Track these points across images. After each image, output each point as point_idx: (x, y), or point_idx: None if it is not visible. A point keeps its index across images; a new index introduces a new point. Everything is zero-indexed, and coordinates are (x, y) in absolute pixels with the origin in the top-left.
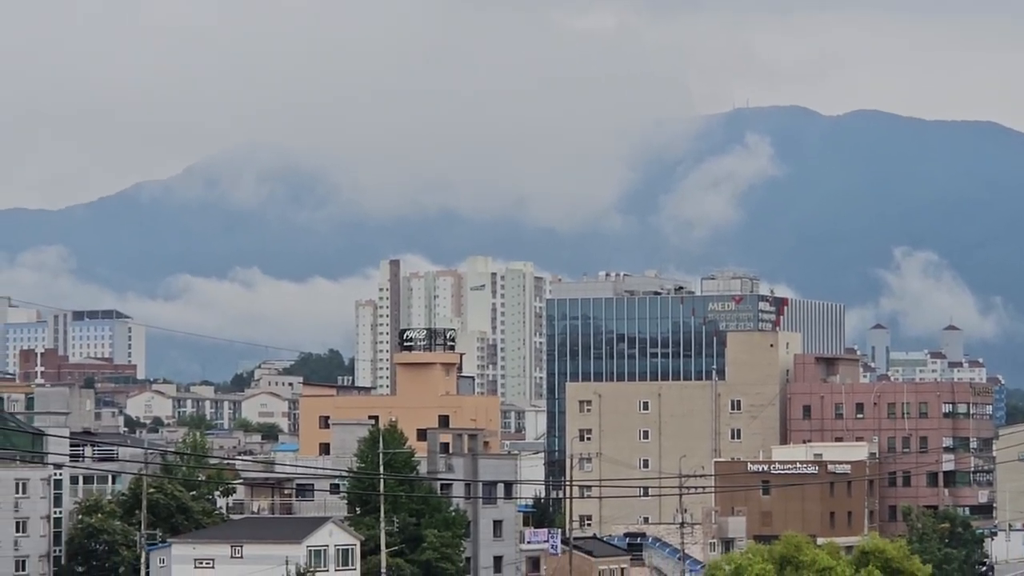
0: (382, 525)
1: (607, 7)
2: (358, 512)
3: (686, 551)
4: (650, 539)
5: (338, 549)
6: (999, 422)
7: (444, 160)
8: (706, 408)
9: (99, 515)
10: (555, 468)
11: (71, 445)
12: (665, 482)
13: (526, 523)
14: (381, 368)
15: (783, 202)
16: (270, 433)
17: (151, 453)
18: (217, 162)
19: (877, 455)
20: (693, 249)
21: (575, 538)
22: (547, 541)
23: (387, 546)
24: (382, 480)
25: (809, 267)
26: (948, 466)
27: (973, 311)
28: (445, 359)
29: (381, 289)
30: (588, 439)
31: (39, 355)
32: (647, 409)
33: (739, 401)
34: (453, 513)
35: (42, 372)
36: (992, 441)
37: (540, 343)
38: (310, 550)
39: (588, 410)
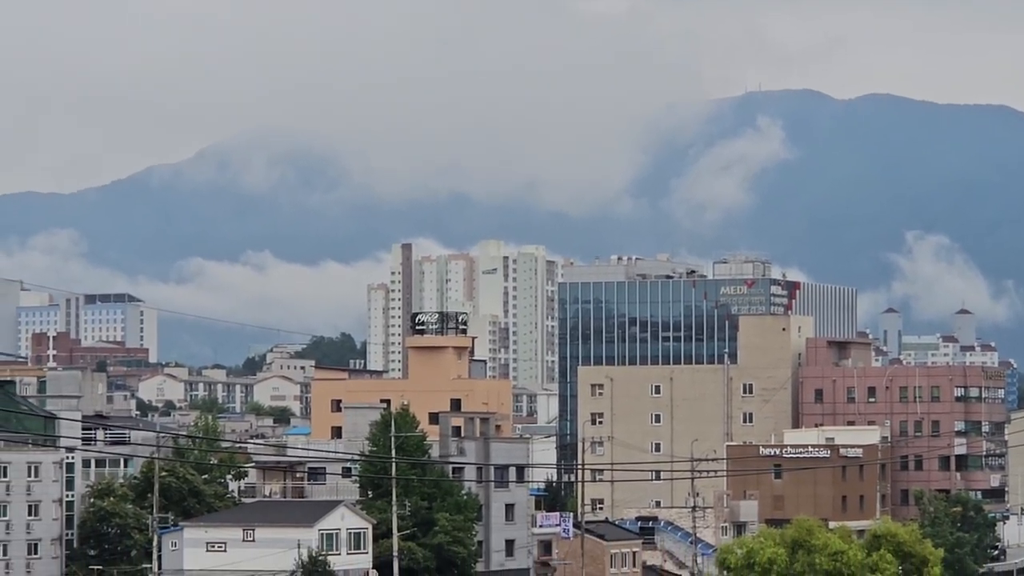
0: (394, 509)
1: None
2: (370, 496)
3: (698, 535)
4: (662, 523)
5: (350, 533)
6: (1011, 406)
7: (455, 144)
8: (718, 392)
9: (111, 498)
10: (567, 452)
11: (83, 428)
12: (677, 466)
13: (538, 507)
14: (393, 352)
15: (795, 186)
16: (282, 417)
17: (163, 437)
18: (229, 146)
19: (889, 439)
20: (705, 233)
21: (587, 522)
22: (559, 525)
23: (399, 530)
24: (394, 464)
25: (821, 251)
26: (960, 450)
27: (985, 295)
28: (457, 343)
29: (393, 273)
30: (600, 423)
31: (51, 339)
32: (659, 393)
33: (751, 385)
34: (465, 497)
35: (54, 356)
36: (1004, 425)
37: (552, 327)
38: (322, 534)
39: (600, 394)
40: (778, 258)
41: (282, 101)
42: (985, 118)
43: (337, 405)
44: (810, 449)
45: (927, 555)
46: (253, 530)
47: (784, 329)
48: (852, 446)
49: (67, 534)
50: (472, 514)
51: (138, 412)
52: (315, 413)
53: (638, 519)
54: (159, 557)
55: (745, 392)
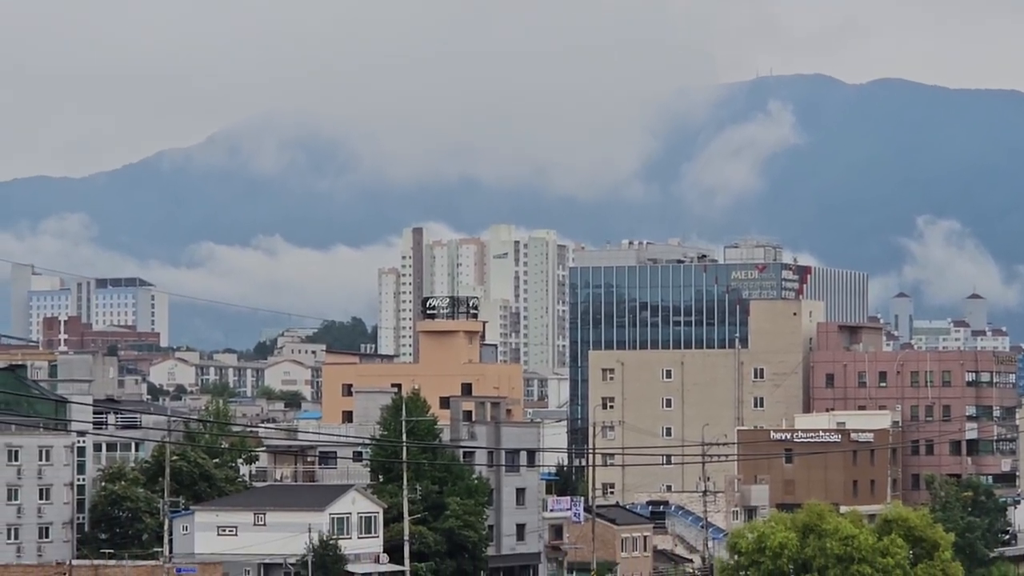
0: (405, 493)
1: None
2: (381, 480)
3: (709, 519)
4: (673, 507)
5: (361, 517)
6: (1022, 391)
7: (465, 128)
8: (729, 376)
9: (122, 482)
10: (578, 436)
11: (94, 413)
12: (688, 450)
13: (549, 491)
14: (404, 336)
15: (805, 170)
16: (293, 401)
17: (174, 421)
18: (239, 130)
19: (900, 424)
20: (715, 217)
21: (598, 506)
22: (570, 509)
23: (410, 514)
24: (405, 448)
25: (832, 235)
26: (971, 435)
27: (996, 280)
28: (468, 327)
29: (404, 257)
30: (611, 407)
31: (62, 323)
32: (670, 377)
33: (762, 369)
34: (476, 481)
35: (65, 340)
36: (1015, 410)
37: (563, 311)
38: (333, 518)
39: (611, 378)
40: (789, 243)
41: (292, 85)
42: (996, 103)
43: (348, 389)
44: (821, 434)
45: (938, 540)
46: (264, 514)
47: (795, 314)
48: (863, 431)
49: (78, 518)
50: (483, 498)
51: (149, 396)
52: (326, 397)
53: (649, 503)
54: (170, 541)
55: (756, 377)
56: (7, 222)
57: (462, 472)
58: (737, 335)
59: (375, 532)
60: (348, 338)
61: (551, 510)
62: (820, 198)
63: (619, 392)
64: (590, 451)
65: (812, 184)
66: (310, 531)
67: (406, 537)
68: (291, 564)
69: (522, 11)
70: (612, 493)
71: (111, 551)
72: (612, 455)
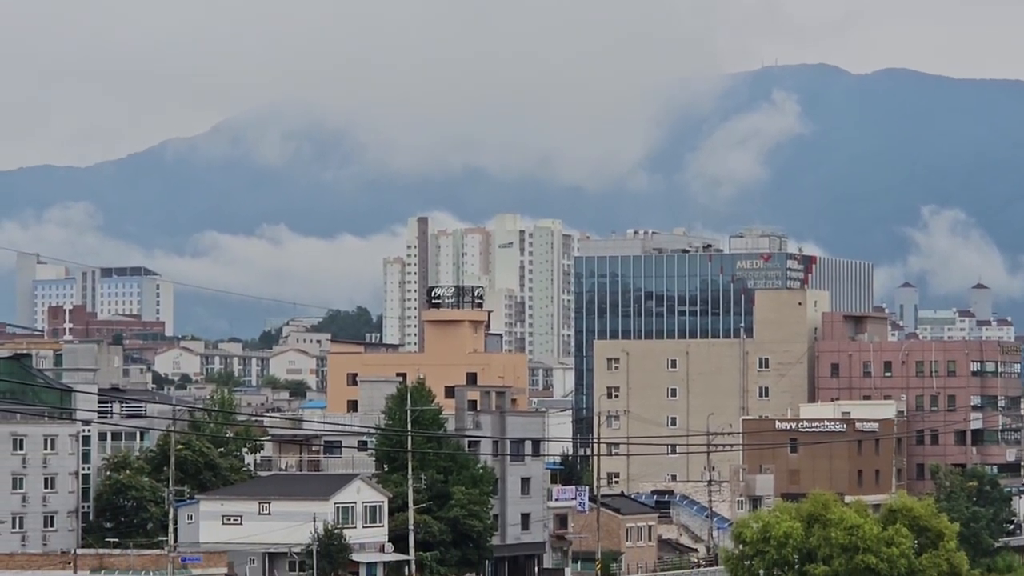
0: (410, 482)
1: None
2: (386, 469)
3: (714, 509)
4: (678, 497)
5: (366, 506)
6: None
7: (470, 118)
8: (734, 366)
9: (127, 471)
10: (583, 426)
11: (99, 402)
12: (693, 440)
13: (554, 480)
14: (409, 325)
15: (810, 160)
16: (298, 390)
17: (179, 410)
18: (244, 120)
19: (905, 413)
20: (720, 207)
21: (603, 496)
22: (575, 498)
23: (415, 503)
24: (410, 437)
25: (837, 225)
26: (976, 424)
27: (1001, 269)
28: (473, 316)
29: (409, 246)
30: (616, 397)
31: (67, 312)
32: (675, 367)
33: (767, 359)
34: (481, 470)
35: (70, 329)
36: (1020, 399)
37: (568, 300)
38: (338, 507)
39: (616, 368)
40: (794, 232)
41: (297, 76)
42: (1002, 93)
43: (353, 379)
44: (826, 423)
45: (943, 529)
46: (269, 503)
47: (800, 303)
48: (868, 420)
49: (83, 507)
50: (488, 488)
51: (154, 385)
52: (331, 386)
53: (654, 493)
54: (175, 530)
55: (761, 366)
56: (12, 211)
57: (467, 461)
58: (742, 325)
59: (380, 521)
60: (353, 327)
61: (556, 499)
62: (825, 188)
63: (624, 381)
64: (595, 440)
65: (817, 174)
66: (315, 520)
67: (411, 526)
68: (296, 553)
69: (527, 1)
70: (617, 482)
71: (116, 540)
72: (617, 444)
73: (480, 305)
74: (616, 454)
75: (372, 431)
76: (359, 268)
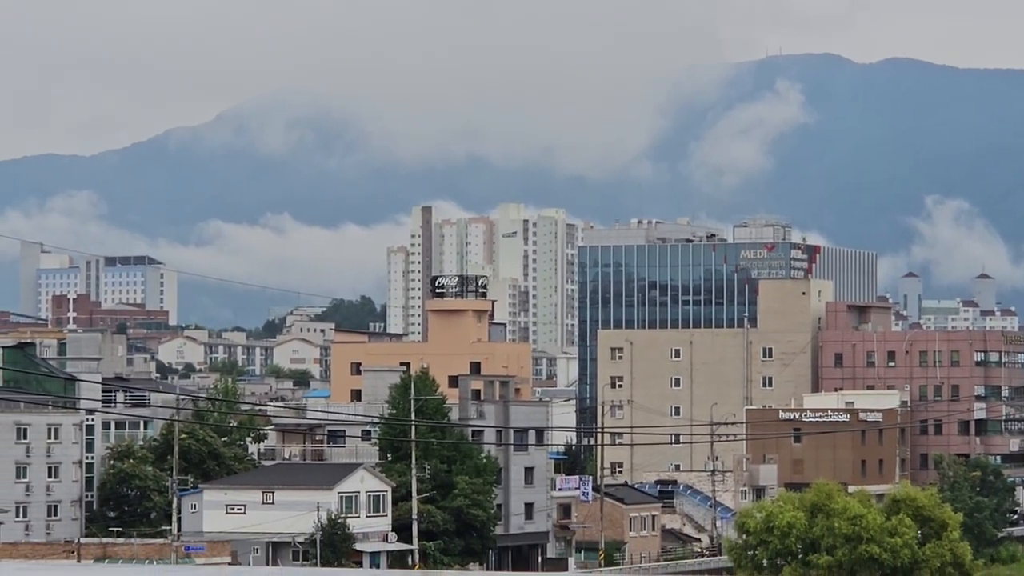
0: (413, 472)
1: None
2: (389, 459)
3: (717, 498)
4: (681, 486)
5: (369, 495)
6: None
7: (472, 107)
8: (738, 356)
9: (131, 460)
10: (586, 415)
11: (103, 391)
12: (696, 430)
13: (557, 470)
14: (413, 315)
15: (814, 150)
16: (302, 379)
17: (183, 399)
18: (247, 109)
19: (908, 403)
20: (724, 197)
21: (606, 485)
22: (578, 488)
23: (418, 492)
24: (413, 427)
25: (840, 215)
26: (979, 414)
27: (1005, 259)
28: (477, 306)
29: (413, 236)
30: (619, 386)
31: (71, 301)
32: (679, 357)
33: (771, 349)
34: (484, 460)
35: (74, 318)
36: None
37: (572, 290)
38: (341, 496)
39: (620, 357)
40: (797, 222)
41: (301, 64)
42: (1005, 83)
43: (357, 368)
44: (829, 413)
45: (946, 519)
46: (272, 492)
47: (804, 293)
48: (871, 410)
49: (87, 496)
50: (491, 477)
51: (158, 374)
52: (335, 376)
53: (657, 483)
54: (179, 519)
55: (765, 356)
56: (16, 199)
57: (470, 451)
58: (746, 314)
59: (383, 511)
60: (357, 317)
61: (559, 489)
62: (829, 178)
63: (628, 371)
64: (598, 430)
65: (821, 164)
66: (318, 510)
67: (414, 516)
68: (299, 542)
69: None
70: (620, 472)
71: (120, 529)
72: (620, 434)
73: (484, 294)
74: (620, 444)
75: (376, 420)
76: (363, 257)
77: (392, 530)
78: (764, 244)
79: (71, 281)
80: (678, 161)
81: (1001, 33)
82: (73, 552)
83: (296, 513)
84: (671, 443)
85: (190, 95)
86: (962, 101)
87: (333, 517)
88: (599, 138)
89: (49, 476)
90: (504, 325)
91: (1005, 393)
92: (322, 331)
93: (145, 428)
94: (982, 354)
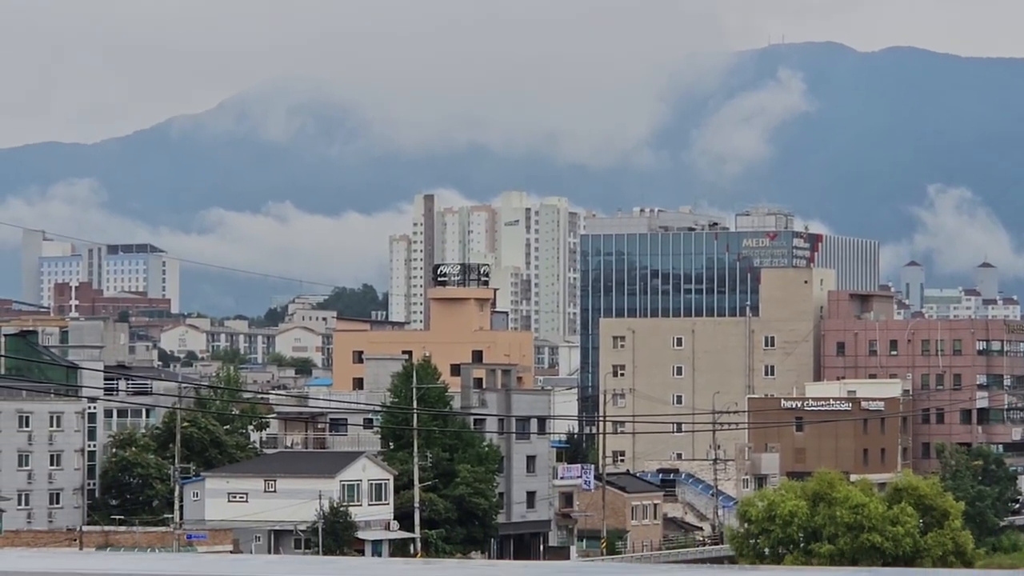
0: (415, 460)
1: None
2: (391, 447)
3: (719, 487)
4: (683, 475)
5: (371, 484)
6: None
7: (475, 95)
8: (740, 344)
9: (133, 449)
10: (588, 404)
11: (105, 379)
12: (698, 418)
13: (559, 459)
14: (415, 303)
15: (815, 138)
16: (304, 368)
17: (185, 387)
18: (249, 97)
19: (911, 392)
20: (725, 185)
21: (608, 474)
22: (580, 477)
23: (420, 481)
24: (415, 415)
25: (843, 204)
26: (982, 403)
27: (1007, 248)
28: (479, 294)
29: (415, 224)
30: (621, 375)
31: (73, 289)
32: (681, 345)
33: (773, 338)
34: (486, 448)
35: (76, 306)
36: None
37: (574, 278)
38: (343, 484)
39: (622, 346)
40: (800, 211)
41: (302, 52)
42: (1008, 72)
43: (359, 356)
44: (831, 402)
45: (948, 508)
46: (275, 481)
47: (806, 282)
48: (873, 399)
49: (89, 484)
50: (493, 466)
51: (160, 363)
52: (337, 364)
53: (659, 471)
54: (181, 507)
55: (767, 345)
56: (18, 187)
57: (472, 439)
58: (748, 303)
59: (385, 499)
60: (359, 305)
61: (561, 478)
62: (831, 166)
63: (630, 360)
64: (600, 419)
65: (823, 152)
66: (320, 498)
67: (416, 504)
68: (301, 531)
69: None
70: (622, 461)
71: (122, 517)
72: (622, 423)
73: (486, 283)
74: (622, 432)
75: (378, 409)
76: (365, 246)
77: (394, 518)
78: (766, 233)
79: (73, 269)
80: (680, 149)
81: (1003, 22)
82: (75, 540)
83: (298, 501)
84: (673, 432)
85: (192, 83)
86: (964, 90)
87: (335, 505)
88: (601, 126)
89: (51, 464)
90: (506, 313)
91: (1007, 382)
92: (324, 319)
93: (147, 416)
94: (984, 343)
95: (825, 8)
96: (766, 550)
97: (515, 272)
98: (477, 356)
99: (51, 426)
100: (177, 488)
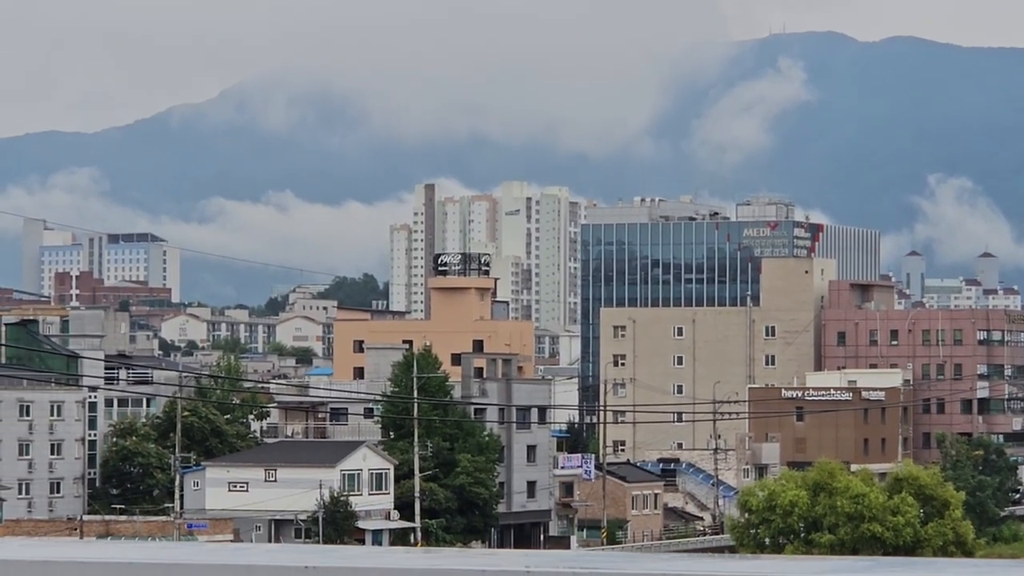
0: (415, 450)
1: None
2: (392, 436)
3: (719, 477)
4: (684, 465)
5: (372, 473)
6: None
7: (475, 84)
8: (740, 334)
9: (133, 438)
10: (589, 393)
11: (106, 368)
12: (699, 408)
13: (560, 448)
14: (416, 293)
15: (816, 128)
16: (304, 357)
17: (185, 376)
18: (250, 86)
19: (911, 382)
20: (726, 174)
21: (608, 464)
22: (580, 466)
23: (420, 470)
24: (416, 404)
25: (843, 193)
26: (982, 393)
27: (1008, 238)
28: (480, 284)
29: (416, 213)
30: (622, 364)
31: (74, 278)
32: (681, 335)
33: (773, 327)
34: (487, 438)
35: (77, 295)
36: None
37: (575, 268)
38: (344, 474)
39: (622, 335)
40: (800, 200)
41: (303, 42)
42: (1009, 61)
43: (359, 346)
44: (832, 392)
45: (948, 498)
46: (275, 470)
47: (807, 271)
48: (874, 389)
49: (89, 473)
50: (494, 455)
51: (160, 352)
52: (337, 354)
53: (660, 461)
54: (181, 496)
55: (767, 334)
56: (18, 176)
57: (473, 429)
58: (749, 293)
59: (386, 489)
60: (360, 294)
61: (562, 467)
62: (831, 156)
63: (630, 349)
64: (601, 408)
65: (823, 142)
66: (321, 487)
67: (416, 494)
68: (302, 520)
69: None
70: (623, 450)
71: (122, 506)
72: (623, 412)
73: (487, 272)
74: (622, 422)
75: (378, 398)
76: (366, 235)
77: (394, 508)
78: (767, 222)
79: (74, 258)
80: (680, 139)
81: (1004, 11)
82: (76, 529)
83: (298, 491)
84: (673, 421)
85: (193, 72)
86: (965, 79)
87: (335, 495)
88: (601, 115)
89: (52, 453)
90: (507, 303)
91: (1008, 372)
92: (325, 309)
93: (148, 405)
94: (985, 333)
95: None
96: (767, 540)
97: (516, 261)
98: (478, 345)
99: (52, 415)
100: (178, 477)
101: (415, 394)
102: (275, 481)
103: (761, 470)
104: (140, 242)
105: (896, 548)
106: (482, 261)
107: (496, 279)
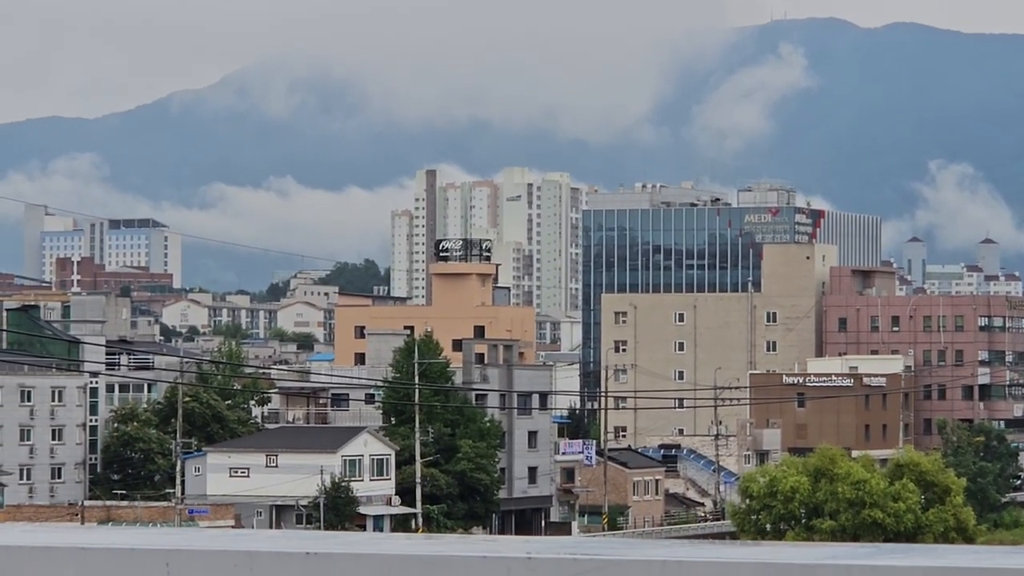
0: (417, 435)
1: None
2: (393, 422)
3: (721, 463)
4: (685, 451)
5: (373, 459)
6: None
7: (476, 70)
8: (742, 320)
9: (135, 423)
10: (590, 379)
11: (107, 354)
12: (700, 394)
13: (561, 434)
14: (417, 278)
15: (817, 114)
16: (305, 343)
17: (187, 362)
18: (251, 72)
19: (912, 368)
20: (726, 160)
21: (610, 449)
22: (582, 452)
23: (422, 456)
24: (417, 390)
25: (844, 180)
26: (983, 379)
27: (1009, 224)
28: (481, 270)
29: (417, 199)
30: (623, 350)
31: (75, 263)
32: (682, 321)
33: (775, 313)
34: (488, 424)
35: (78, 280)
36: None
37: (576, 254)
38: (345, 460)
39: (623, 321)
40: (801, 186)
41: (303, 27)
42: (1011, 48)
43: (361, 331)
44: (833, 378)
45: (949, 484)
46: (276, 456)
47: (808, 257)
48: (875, 375)
49: (91, 459)
50: (495, 441)
51: (162, 337)
52: (338, 339)
53: (661, 447)
54: (182, 482)
55: (769, 320)
56: (19, 162)
57: (474, 415)
58: (750, 279)
59: (387, 474)
60: (361, 280)
61: (563, 453)
62: (832, 142)
63: (631, 335)
64: (602, 394)
65: (824, 128)
66: (322, 473)
67: (418, 479)
68: (303, 506)
69: None
70: (624, 436)
71: (123, 492)
72: (624, 398)
73: (488, 258)
74: (623, 408)
75: (379, 384)
76: (367, 221)
77: (395, 494)
78: (768, 208)
79: (75, 244)
80: (681, 125)
81: None
82: (76, 515)
83: (300, 476)
84: (675, 407)
85: (193, 58)
86: (967, 66)
87: (336, 480)
88: (602, 101)
89: (53, 439)
90: (508, 289)
91: (1009, 358)
92: (326, 294)
93: (149, 391)
94: (986, 319)
95: None
96: (767, 526)
97: (517, 247)
98: (479, 331)
99: (53, 401)
100: (179, 463)
101: (416, 380)
102: (276, 467)
103: (762, 456)
104: (141, 228)
105: (897, 534)
106: (483, 247)
107: (497, 265)
